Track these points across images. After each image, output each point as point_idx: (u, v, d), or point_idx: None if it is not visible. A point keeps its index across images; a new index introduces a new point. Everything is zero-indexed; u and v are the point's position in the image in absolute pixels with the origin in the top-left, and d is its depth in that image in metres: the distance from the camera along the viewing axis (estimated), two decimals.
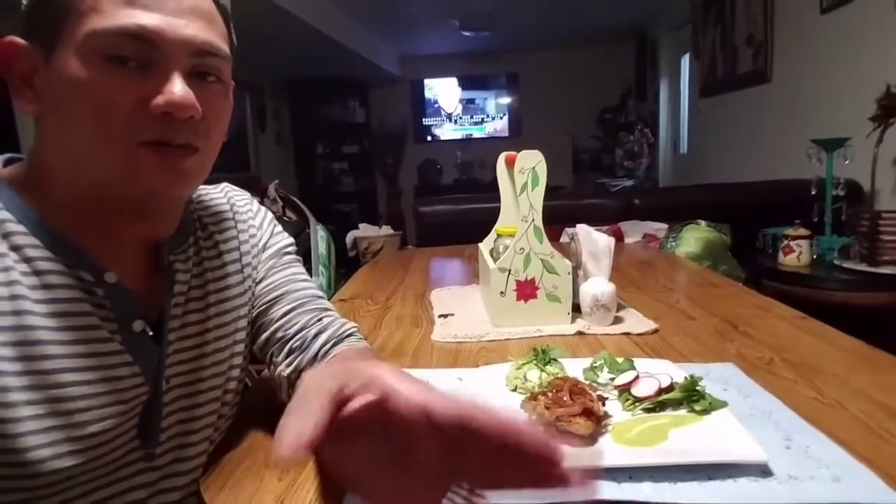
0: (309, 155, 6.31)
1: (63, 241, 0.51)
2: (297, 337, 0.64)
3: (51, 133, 0.51)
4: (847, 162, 1.90)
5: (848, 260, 1.85)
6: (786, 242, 1.93)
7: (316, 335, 0.64)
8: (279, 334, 0.65)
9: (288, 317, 0.65)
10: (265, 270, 0.67)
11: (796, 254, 1.90)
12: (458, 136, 6.80)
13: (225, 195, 0.69)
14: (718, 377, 0.74)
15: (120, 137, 0.48)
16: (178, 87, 0.48)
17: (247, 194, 0.71)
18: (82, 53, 0.47)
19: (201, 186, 0.67)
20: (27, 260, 0.49)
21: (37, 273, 0.49)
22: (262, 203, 0.74)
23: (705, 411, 0.61)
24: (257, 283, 0.67)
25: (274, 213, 0.74)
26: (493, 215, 1.22)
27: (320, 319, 0.66)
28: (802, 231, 1.92)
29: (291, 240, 0.72)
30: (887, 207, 2.08)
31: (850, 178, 2.04)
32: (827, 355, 0.82)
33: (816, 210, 1.97)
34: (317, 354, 0.63)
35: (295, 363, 0.63)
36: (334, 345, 0.63)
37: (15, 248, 0.49)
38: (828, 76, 2.56)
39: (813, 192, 1.96)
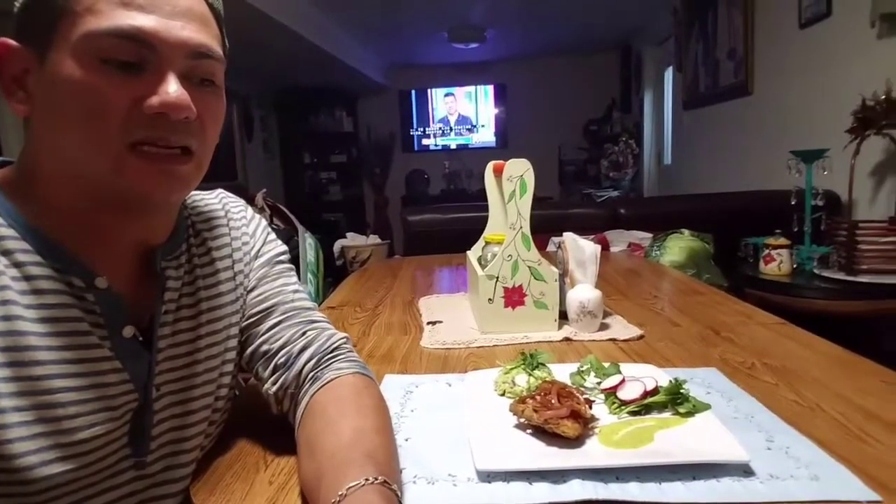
0: (296, 164, 6.30)
1: (54, 245, 0.50)
2: (281, 353, 0.63)
3: (43, 135, 0.51)
4: (825, 173, 1.95)
5: (827, 269, 1.89)
6: (767, 251, 1.96)
7: (301, 351, 0.63)
8: (264, 348, 0.64)
9: (273, 331, 0.64)
10: (256, 280, 0.67)
11: (777, 262, 1.94)
12: (445, 146, 6.83)
13: (220, 201, 0.68)
14: (702, 381, 0.75)
15: (113, 139, 0.48)
16: (172, 88, 0.48)
17: (242, 201, 0.71)
18: (77, 55, 0.47)
19: (196, 191, 0.67)
20: (17, 265, 0.48)
21: (27, 278, 0.49)
22: None
23: (689, 413, 0.62)
24: (248, 293, 0.66)
25: None
26: (480, 224, 1.24)
27: (305, 333, 0.64)
28: (783, 240, 1.95)
29: (284, 248, 0.72)
30: (864, 217, 2.13)
31: (829, 189, 2.09)
32: (807, 360, 0.84)
33: (796, 220, 2.01)
34: (300, 372, 0.62)
35: (280, 381, 0.62)
36: (318, 362, 0.62)
37: (5, 253, 0.48)
38: (807, 89, 2.63)
39: (793, 203, 2.00)
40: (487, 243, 1.16)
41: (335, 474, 0.48)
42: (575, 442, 0.58)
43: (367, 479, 0.46)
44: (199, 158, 0.54)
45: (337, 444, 0.52)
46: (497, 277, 1.01)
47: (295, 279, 0.71)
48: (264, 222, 0.72)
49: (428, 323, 1.11)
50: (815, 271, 1.91)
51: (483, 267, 1.06)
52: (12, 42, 0.50)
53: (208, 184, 0.60)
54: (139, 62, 0.48)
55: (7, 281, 0.48)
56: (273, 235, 0.72)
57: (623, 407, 0.65)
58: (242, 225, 0.68)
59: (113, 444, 0.52)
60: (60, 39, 0.48)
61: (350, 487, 0.45)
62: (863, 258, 1.77)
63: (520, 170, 0.98)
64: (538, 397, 0.61)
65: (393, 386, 0.78)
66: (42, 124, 0.51)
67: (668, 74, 4.76)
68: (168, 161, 0.51)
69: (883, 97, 1.92)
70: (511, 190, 0.98)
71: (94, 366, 0.51)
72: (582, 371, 0.75)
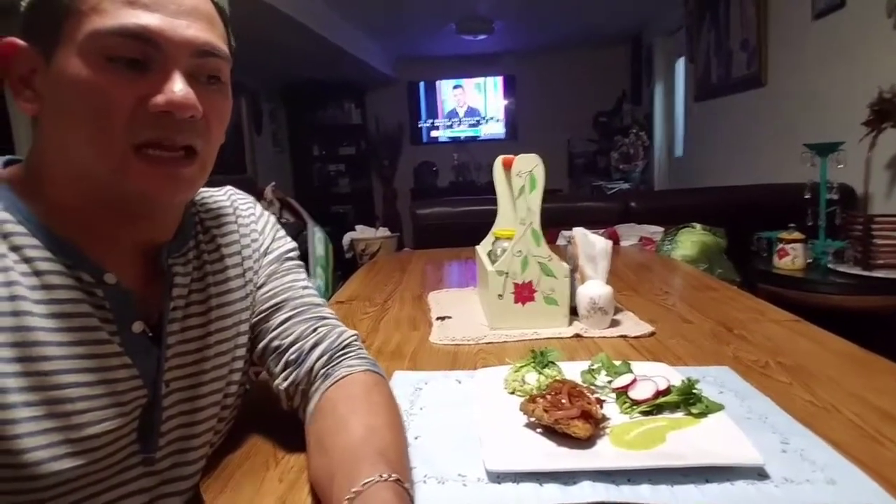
0: (305, 157, 6.31)
1: (63, 242, 0.51)
2: (292, 349, 0.63)
3: (50, 134, 0.51)
4: (840, 166, 1.92)
5: (842, 263, 1.86)
6: (780, 246, 1.94)
7: (312, 348, 0.63)
8: (275, 343, 0.64)
9: (284, 326, 0.64)
10: (266, 276, 0.67)
11: (791, 257, 1.92)
12: (454, 138, 6.80)
13: (228, 198, 0.68)
14: (715, 380, 0.74)
15: (118, 139, 0.48)
16: (178, 87, 0.48)
17: (250, 198, 0.71)
18: (83, 54, 0.47)
19: (204, 189, 0.67)
20: (27, 260, 0.49)
21: (37, 273, 0.49)
22: None
23: (702, 414, 0.61)
24: (258, 289, 0.66)
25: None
26: (490, 218, 1.23)
27: (316, 329, 0.64)
28: (797, 234, 1.93)
29: (293, 244, 0.72)
30: (880, 211, 2.10)
31: (844, 183, 2.06)
32: (821, 358, 0.83)
33: (810, 214, 1.99)
34: (312, 368, 0.62)
35: (291, 377, 0.62)
36: (329, 359, 0.62)
37: (15, 249, 0.49)
38: (821, 81, 2.58)
39: (807, 196, 1.97)
40: (497, 238, 1.15)
41: (348, 471, 0.48)
42: (586, 442, 0.57)
43: (380, 476, 0.46)
44: (204, 159, 0.54)
45: (348, 442, 0.52)
46: (507, 273, 1.00)
47: (304, 275, 0.71)
48: (273, 219, 0.72)
49: (437, 318, 1.10)
50: (830, 266, 1.88)
51: (493, 262, 1.05)
52: (20, 42, 0.50)
53: (217, 177, 0.60)
54: (144, 61, 0.48)
55: (17, 276, 0.48)
56: (282, 232, 0.72)
57: (635, 406, 0.64)
58: (251, 222, 0.68)
59: (122, 440, 0.52)
60: (66, 39, 0.48)
61: (364, 484, 0.45)
62: (878, 253, 1.75)
63: (529, 165, 0.97)
64: (549, 397, 0.61)
65: (402, 383, 0.78)
66: (49, 123, 0.51)
67: (680, 65, 4.70)
68: (172, 164, 0.51)
69: None
70: (521, 186, 0.97)
71: (103, 361, 0.51)
72: (593, 369, 0.75)
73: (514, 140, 6.52)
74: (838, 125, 2.31)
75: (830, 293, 1.79)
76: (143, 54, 0.48)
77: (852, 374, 0.77)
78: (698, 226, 2.06)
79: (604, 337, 0.97)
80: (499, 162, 1.17)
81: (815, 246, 1.97)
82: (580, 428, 0.57)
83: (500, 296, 1.01)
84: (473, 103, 6.73)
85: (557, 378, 0.70)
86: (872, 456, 0.55)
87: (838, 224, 1.95)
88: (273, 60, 4.58)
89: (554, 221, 1.52)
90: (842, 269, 1.83)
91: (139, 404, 0.53)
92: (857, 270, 1.78)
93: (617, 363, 0.74)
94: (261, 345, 0.65)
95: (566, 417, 0.57)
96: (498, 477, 0.54)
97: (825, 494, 0.49)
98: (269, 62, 4.67)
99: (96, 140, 0.48)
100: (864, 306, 1.75)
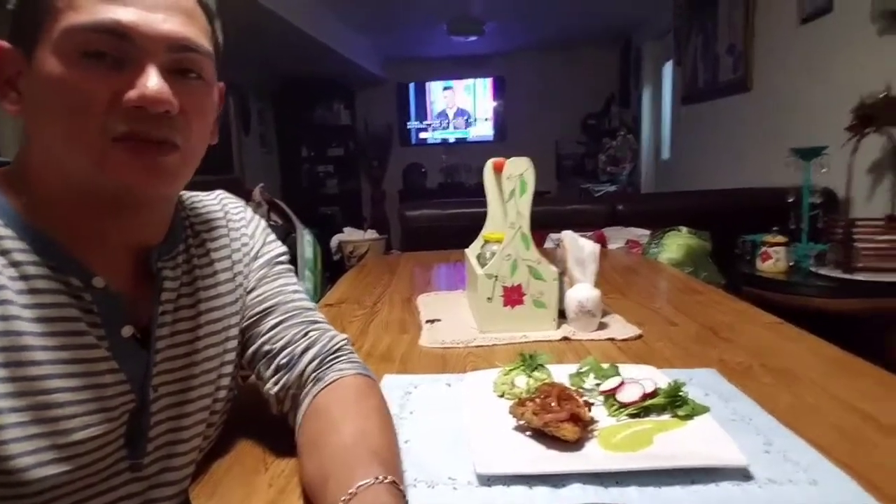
0: (293, 157, 6.28)
1: (51, 245, 0.50)
2: (283, 353, 0.63)
3: (32, 132, 0.51)
4: (824, 170, 1.95)
5: (823, 266, 1.89)
6: (764, 249, 1.97)
7: (303, 352, 0.63)
8: (266, 348, 0.64)
9: (275, 330, 0.64)
10: (256, 280, 0.67)
11: (774, 260, 1.95)
12: (443, 139, 6.81)
13: (219, 202, 0.68)
14: (700, 382, 0.75)
15: (94, 134, 0.48)
16: (152, 81, 0.48)
17: (241, 202, 0.71)
18: (59, 51, 0.47)
19: (195, 193, 0.67)
20: (14, 264, 0.48)
21: (24, 278, 0.48)
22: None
23: (688, 416, 0.62)
24: (248, 293, 0.66)
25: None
26: (479, 220, 1.23)
27: (307, 334, 0.64)
28: (780, 238, 1.96)
29: (284, 249, 0.72)
30: (861, 215, 2.14)
31: (826, 186, 2.09)
32: (804, 361, 0.85)
33: (793, 217, 2.02)
34: (303, 372, 0.62)
35: (282, 382, 0.62)
36: (321, 363, 0.62)
37: (2, 253, 0.48)
38: (806, 86, 2.63)
39: (790, 200, 2.01)
40: (486, 241, 1.15)
41: (343, 473, 0.48)
42: (574, 445, 0.58)
43: (376, 478, 0.46)
44: (185, 153, 0.53)
45: (341, 444, 0.52)
46: (496, 276, 1.00)
47: (295, 279, 0.71)
48: (263, 223, 0.72)
49: (426, 321, 1.11)
50: (812, 269, 1.91)
51: (482, 265, 1.06)
52: (5, 44, 0.50)
53: (204, 177, 0.60)
54: (119, 56, 0.48)
55: (4, 280, 0.47)
56: (273, 236, 0.72)
57: (622, 409, 0.65)
58: (242, 226, 0.68)
59: (109, 445, 0.52)
60: (44, 37, 0.47)
61: (360, 486, 0.45)
62: (859, 256, 1.78)
63: (520, 168, 0.97)
64: (538, 400, 0.61)
65: (392, 386, 0.78)
66: (30, 122, 0.51)
67: (668, 69, 4.74)
68: (151, 154, 0.50)
69: (882, 95, 1.92)
70: (511, 189, 0.97)
71: (91, 366, 0.50)
72: (581, 373, 0.75)
73: (503, 142, 6.54)
74: (822, 130, 2.35)
75: (812, 296, 1.82)
76: (118, 49, 0.48)
77: (835, 376, 0.78)
78: (684, 229, 2.08)
79: (592, 340, 0.98)
80: (489, 165, 1.18)
81: (798, 249, 2.00)
82: (569, 431, 0.57)
83: (489, 299, 1.01)
84: (463, 105, 6.74)
85: (547, 381, 0.71)
86: (854, 457, 0.56)
87: (821, 227, 1.98)
88: (261, 59, 4.56)
89: (542, 224, 1.52)
90: (823, 272, 1.86)
91: (127, 409, 0.53)
92: (837, 273, 1.81)
93: (605, 366, 0.75)
94: (251, 349, 0.65)
95: (555, 420, 0.58)
96: (488, 480, 0.54)
97: (808, 495, 0.50)
98: (257, 61, 4.65)
99: (72, 136, 0.48)
100: (844, 309, 1.78)
